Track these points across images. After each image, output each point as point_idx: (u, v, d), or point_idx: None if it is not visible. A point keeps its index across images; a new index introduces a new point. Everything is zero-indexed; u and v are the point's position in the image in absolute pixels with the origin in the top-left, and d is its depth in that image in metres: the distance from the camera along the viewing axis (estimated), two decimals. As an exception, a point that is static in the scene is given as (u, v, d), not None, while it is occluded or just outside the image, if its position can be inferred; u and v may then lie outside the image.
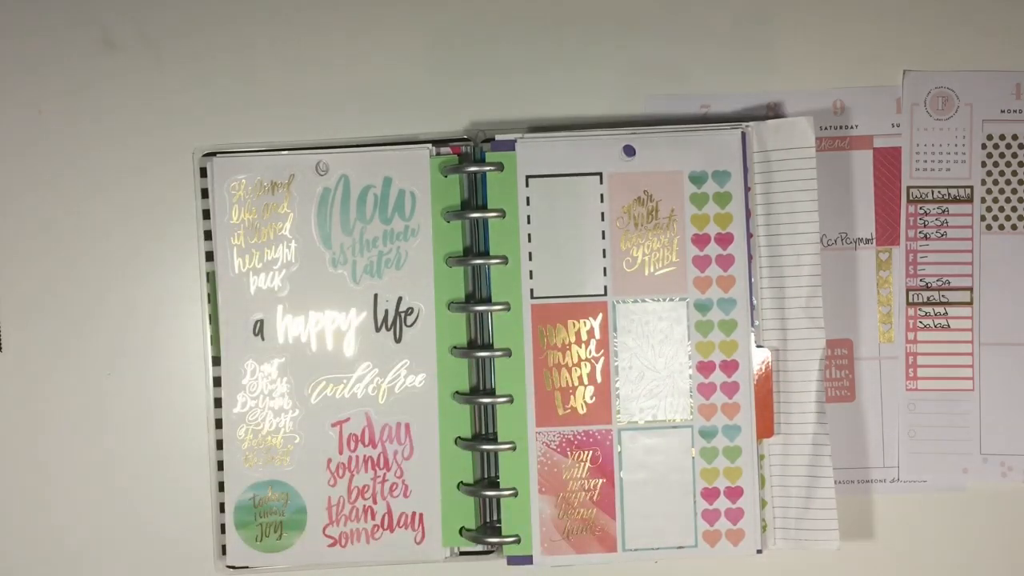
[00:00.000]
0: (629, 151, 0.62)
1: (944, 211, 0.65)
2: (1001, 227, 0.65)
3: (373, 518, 0.64)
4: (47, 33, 0.65)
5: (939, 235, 0.65)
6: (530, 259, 0.62)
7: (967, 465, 0.65)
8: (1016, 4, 0.65)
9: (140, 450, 0.65)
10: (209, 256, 0.64)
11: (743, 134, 0.62)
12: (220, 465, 0.64)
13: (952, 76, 0.65)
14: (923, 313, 0.65)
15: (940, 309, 0.65)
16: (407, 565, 0.64)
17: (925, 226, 0.65)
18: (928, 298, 0.65)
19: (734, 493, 0.62)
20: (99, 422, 0.65)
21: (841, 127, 0.65)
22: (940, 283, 0.65)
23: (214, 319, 0.64)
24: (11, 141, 0.66)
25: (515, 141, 0.62)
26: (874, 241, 0.65)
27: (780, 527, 0.63)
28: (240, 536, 0.64)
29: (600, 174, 0.62)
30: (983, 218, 0.65)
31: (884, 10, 0.65)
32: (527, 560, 0.62)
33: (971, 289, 0.65)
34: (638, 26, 0.65)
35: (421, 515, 0.64)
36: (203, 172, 0.64)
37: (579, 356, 0.62)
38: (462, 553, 0.64)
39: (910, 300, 0.65)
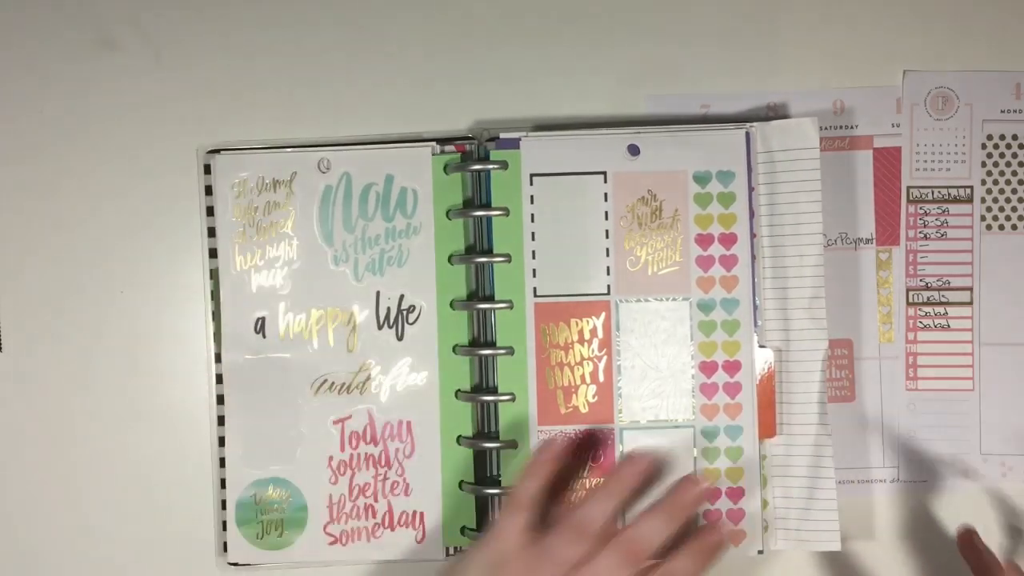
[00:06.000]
0: (633, 150, 0.62)
1: (944, 211, 0.65)
2: (1001, 227, 0.65)
3: (374, 516, 0.64)
4: (48, 33, 0.65)
5: (939, 235, 0.65)
6: (533, 257, 0.62)
7: (967, 465, 0.65)
8: (1016, 5, 0.65)
9: (142, 447, 0.65)
10: (212, 253, 0.64)
11: (747, 134, 0.62)
12: (222, 462, 0.64)
13: (952, 76, 0.65)
14: (923, 313, 0.65)
15: (940, 309, 0.65)
16: (408, 564, 0.64)
17: (925, 226, 0.65)
18: (928, 298, 0.65)
19: (736, 493, 0.62)
20: (101, 420, 0.65)
21: (841, 127, 0.65)
22: (940, 283, 0.65)
23: (217, 316, 0.64)
24: (13, 141, 0.65)
25: (520, 139, 0.62)
26: (874, 241, 0.65)
27: (781, 528, 0.63)
28: (241, 533, 0.63)
29: (604, 173, 0.62)
30: (983, 218, 0.65)
31: (884, 10, 0.65)
32: None
33: (971, 289, 0.65)
34: (639, 26, 0.65)
35: (422, 514, 0.64)
36: (207, 169, 0.64)
37: (582, 355, 0.62)
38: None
39: (910, 300, 0.65)
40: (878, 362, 0.65)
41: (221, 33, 0.65)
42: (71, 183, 0.65)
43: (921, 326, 0.65)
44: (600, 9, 0.65)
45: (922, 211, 0.65)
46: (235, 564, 0.64)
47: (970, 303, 0.65)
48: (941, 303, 0.65)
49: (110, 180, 0.65)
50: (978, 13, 0.65)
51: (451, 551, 0.64)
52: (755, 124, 0.63)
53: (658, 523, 0.55)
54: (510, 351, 0.62)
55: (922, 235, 0.65)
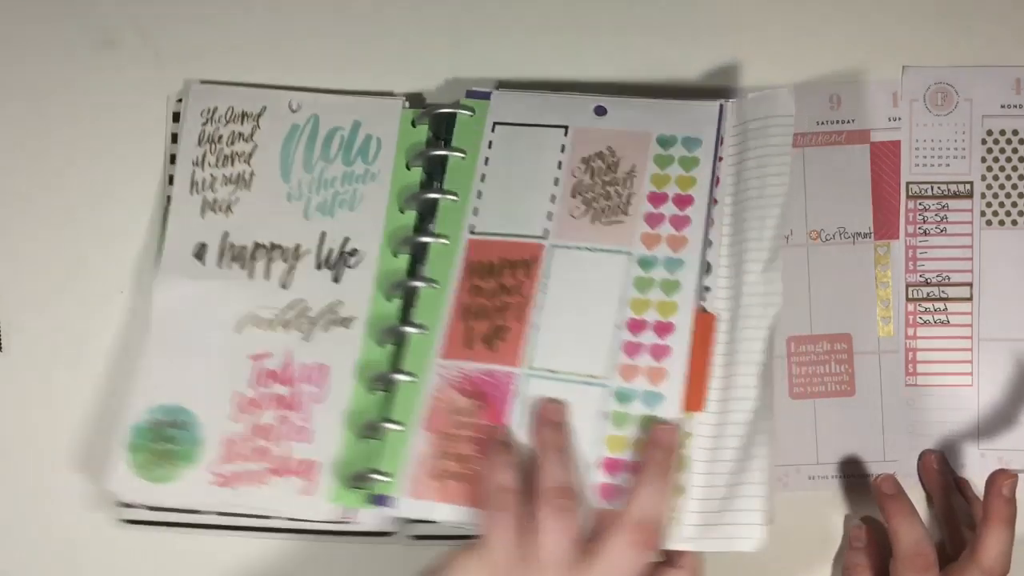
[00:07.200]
0: (600, 111, 0.60)
1: (944, 207, 0.62)
2: (1001, 223, 0.62)
3: (267, 461, 0.58)
4: (48, 34, 0.66)
5: (939, 231, 0.62)
6: (479, 197, 0.59)
7: (965, 461, 0.61)
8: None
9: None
10: (171, 181, 0.63)
11: (721, 106, 0.59)
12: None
13: (951, 71, 0.63)
14: (923, 309, 0.62)
15: (940, 305, 0.62)
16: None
17: (924, 222, 0.62)
18: (928, 293, 0.62)
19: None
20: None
21: (837, 122, 0.62)
22: (940, 279, 0.62)
23: (161, 240, 0.63)
24: (12, 141, 0.65)
25: (491, 92, 0.61)
26: (872, 236, 0.62)
27: (698, 523, 0.52)
28: (132, 460, 0.59)
29: (566, 127, 0.60)
30: (983, 214, 0.62)
31: (883, 4, 0.63)
32: (389, 502, 0.54)
33: (971, 285, 0.61)
34: (629, 17, 0.65)
35: (319, 464, 0.58)
36: (175, 118, 0.64)
37: (503, 296, 0.57)
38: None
39: (910, 296, 0.62)
40: (877, 356, 0.61)
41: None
42: (71, 183, 0.65)
43: (921, 321, 0.62)
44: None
45: (921, 207, 0.62)
46: (129, 521, 0.59)
47: (970, 299, 0.61)
48: (941, 299, 0.61)
49: (110, 180, 0.65)
50: (978, 7, 0.63)
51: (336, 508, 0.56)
52: (732, 100, 0.60)
53: (656, 490, 0.51)
54: (434, 283, 0.58)
55: (921, 231, 0.62)
